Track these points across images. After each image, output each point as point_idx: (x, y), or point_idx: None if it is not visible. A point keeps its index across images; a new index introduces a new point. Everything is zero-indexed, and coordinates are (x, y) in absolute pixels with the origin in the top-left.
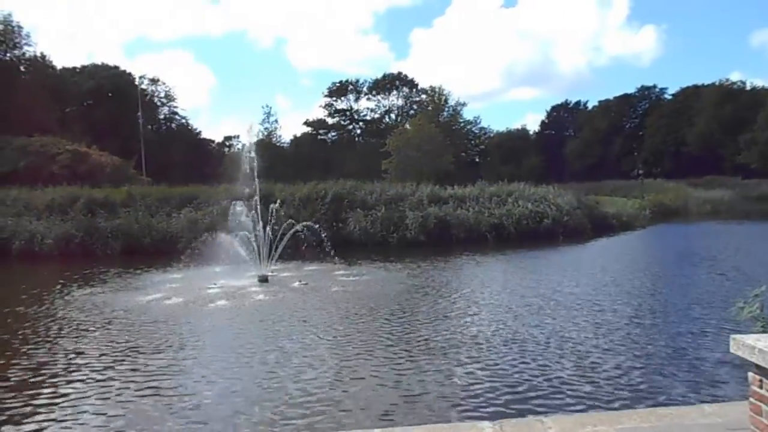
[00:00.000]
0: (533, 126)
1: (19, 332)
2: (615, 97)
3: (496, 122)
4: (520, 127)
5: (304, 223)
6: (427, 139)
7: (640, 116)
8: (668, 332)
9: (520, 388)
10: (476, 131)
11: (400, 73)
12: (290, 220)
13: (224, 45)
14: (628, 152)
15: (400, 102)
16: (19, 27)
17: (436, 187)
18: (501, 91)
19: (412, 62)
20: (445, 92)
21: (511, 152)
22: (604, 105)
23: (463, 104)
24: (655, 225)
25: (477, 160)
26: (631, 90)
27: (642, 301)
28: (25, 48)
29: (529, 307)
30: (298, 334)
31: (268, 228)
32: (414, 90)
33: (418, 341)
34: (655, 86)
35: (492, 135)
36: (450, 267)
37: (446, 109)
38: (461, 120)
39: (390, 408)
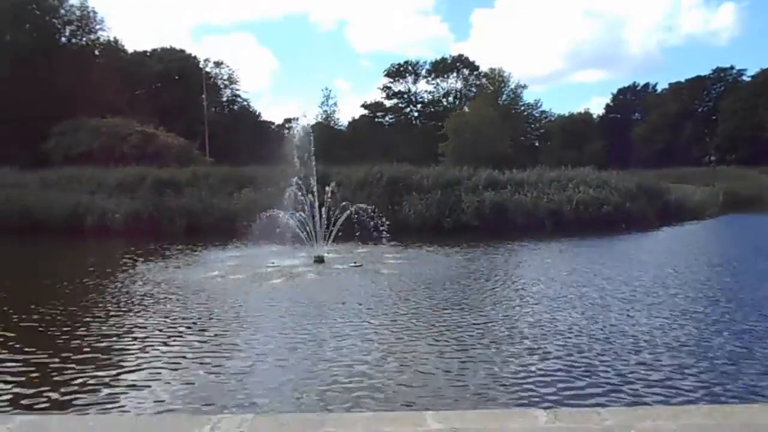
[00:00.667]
0: (597, 109)
1: (84, 304)
2: (687, 80)
3: (559, 105)
4: (583, 111)
5: (359, 205)
6: (486, 122)
7: (714, 99)
8: (737, 329)
9: (578, 382)
10: (536, 114)
11: (460, 56)
12: (345, 202)
13: (286, 28)
14: (699, 138)
15: (459, 84)
16: (94, 12)
17: (494, 172)
18: (565, 73)
19: (473, 44)
20: (505, 74)
21: (572, 136)
22: (675, 87)
23: (524, 87)
24: (727, 215)
25: (536, 144)
26: (705, 71)
27: (708, 295)
28: (100, 33)
29: (585, 297)
30: (352, 316)
31: (323, 209)
32: (473, 72)
33: (472, 327)
34: (732, 67)
35: (553, 118)
36: (505, 253)
37: (506, 91)
38: (521, 103)
39: (438, 392)
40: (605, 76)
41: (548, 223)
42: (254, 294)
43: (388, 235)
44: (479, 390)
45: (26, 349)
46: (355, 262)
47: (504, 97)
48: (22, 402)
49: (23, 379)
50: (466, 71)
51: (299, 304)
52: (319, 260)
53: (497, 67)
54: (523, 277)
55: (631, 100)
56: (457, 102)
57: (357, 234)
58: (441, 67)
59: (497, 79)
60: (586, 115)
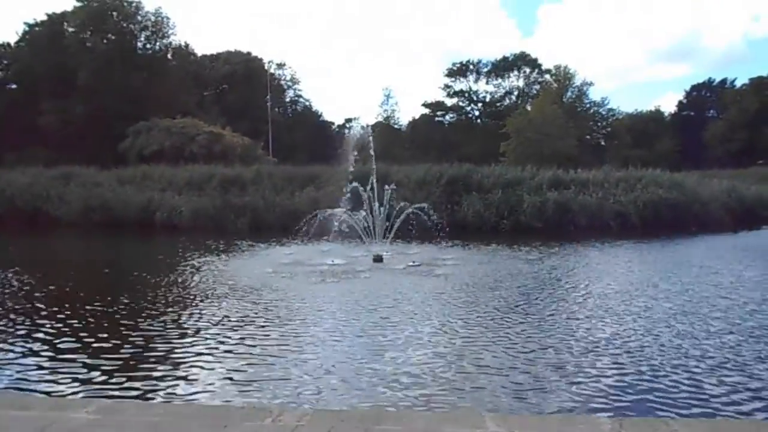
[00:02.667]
0: (669, 107)
1: (149, 296)
2: None
3: (630, 103)
4: (653, 108)
5: (417, 205)
6: (549, 121)
7: None
8: None
9: (647, 395)
10: (603, 113)
11: (522, 53)
12: (404, 202)
13: (348, 25)
14: None
15: (521, 83)
16: (167, 18)
17: (558, 171)
18: (636, 69)
19: (538, 40)
20: (570, 71)
21: (642, 135)
22: (756, 83)
23: (590, 84)
24: None
25: (602, 143)
26: None
27: None
28: (172, 38)
29: (655, 308)
30: (410, 316)
31: (383, 208)
32: (536, 70)
33: (532, 335)
34: None
35: (621, 117)
36: (568, 256)
37: (571, 89)
38: (587, 101)
39: (498, 399)
40: (681, 72)
41: (614, 225)
42: (315, 292)
43: (444, 235)
44: (543, 398)
45: (102, 338)
46: (413, 262)
47: (569, 94)
48: (99, 388)
49: (102, 366)
50: (528, 69)
51: (360, 303)
52: (378, 259)
53: (562, 64)
54: (589, 282)
55: (706, 97)
56: (520, 101)
57: (415, 233)
58: (502, 66)
59: (562, 76)
60: (657, 113)
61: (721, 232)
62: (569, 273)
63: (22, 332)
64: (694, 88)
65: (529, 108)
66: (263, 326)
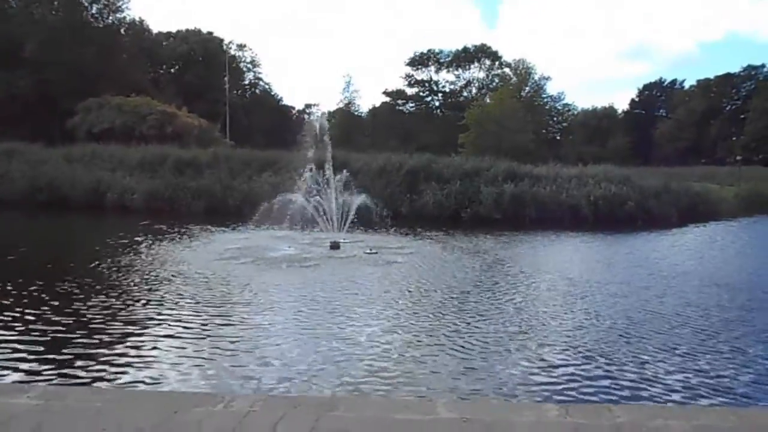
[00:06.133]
0: (622, 105)
1: (96, 281)
2: (716, 76)
3: (586, 99)
4: (607, 105)
5: (364, 196)
6: (508, 114)
7: (743, 98)
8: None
9: (592, 375)
10: (559, 107)
11: (483, 45)
12: (359, 191)
13: (311, 11)
14: (726, 136)
15: (482, 75)
16: None
17: (514, 164)
18: (593, 67)
19: (500, 33)
20: (529, 66)
21: (595, 131)
22: (704, 84)
23: (547, 79)
24: (751, 216)
25: (558, 138)
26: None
27: (727, 296)
28: (125, 12)
29: (604, 294)
30: (365, 303)
31: (340, 196)
32: (497, 63)
33: (480, 322)
34: (764, 65)
35: (576, 113)
36: (524, 245)
37: (529, 83)
38: (544, 95)
39: (456, 385)
40: (637, 71)
41: (566, 219)
42: (270, 278)
43: (405, 224)
44: (498, 384)
45: (47, 323)
46: (370, 249)
47: (527, 88)
48: (42, 374)
49: (43, 351)
50: (488, 61)
51: (316, 289)
52: (335, 246)
53: (522, 58)
54: (542, 270)
55: (656, 97)
56: (479, 93)
57: (374, 221)
58: (463, 57)
59: (521, 70)
60: (610, 110)
61: (667, 227)
62: (517, 262)
63: None
64: (646, 87)
65: (488, 100)
66: (215, 314)
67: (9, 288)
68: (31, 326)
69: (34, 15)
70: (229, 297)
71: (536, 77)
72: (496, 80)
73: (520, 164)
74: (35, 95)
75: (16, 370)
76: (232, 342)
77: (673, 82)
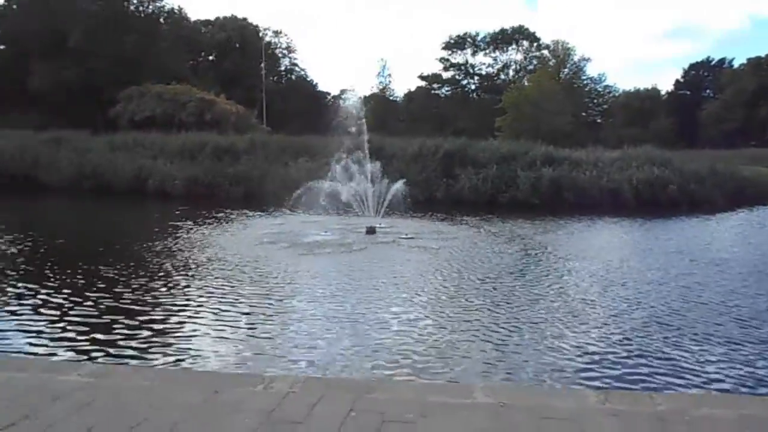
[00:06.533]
0: (667, 86)
1: (141, 264)
2: None
3: (628, 81)
4: (650, 87)
5: (399, 181)
6: (546, 96)
7: None
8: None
9: (631, 363)
10: (600, 89)
11: (521, 27)
12: (395, 176)
13: None
14: None
15: (519, 57)
16: None
17: (551, 148)
18: (635, 47)
19: (540, 14)
20: (568, 47)
21: (637, 114)
22: (755, 63)
23: (587, 60)
24: None
25: (598, 120)
26: None
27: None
28: (165, 1)
29: (641, 281)
30: (403, 287)
31: (376, 181)
32: (535, 45)
33: (519, 307)
34: None
35: (617, 94)
36: (562, 231)
37: (569, 65)
38: (584, 77)
39: (492, 371)
40: (682, 51)
41: (606, 203)
42: (307, 263)
43: (441, 208)
44: (535, 370)
45: (93, 304)
46: (406, 234)
47: (567, 70)
48: (89, 353)
49: (90, 331)
50: (526, 43)
51: (352, 274)
52: (371, 231)
53: (561, 39)
54: (582, 256)
55: (703, 77)
56: (516, 75)
57: (409, 206)
58: (500, 39)
59: (560, 51)
60: (653, 92)
61: (712, 212)
62: (555, 247)
63: (16, 295)
64: (692, 67)
65: (526, 83)
66: (252, 298)
67: (57, 270)
68: (77, 307)
69: (77, 5)
70: (265, 281)
71: (576, 59)
72: (534, 62)
73: (558, 148)
74: (80, 84)
75: (66, 348)
76: (270, 325)
77: (722, 61)
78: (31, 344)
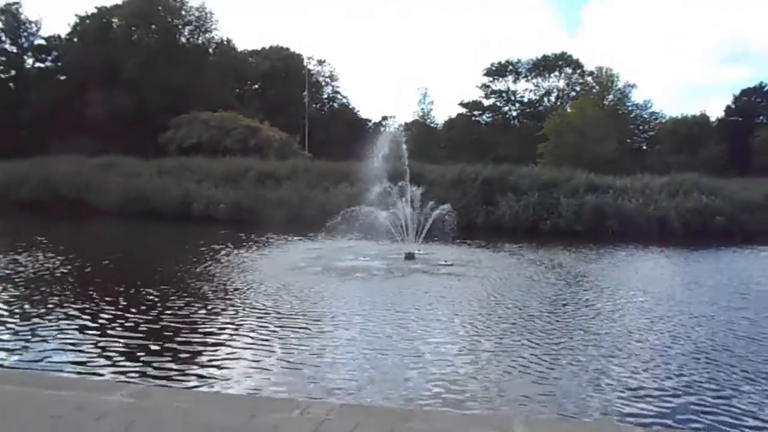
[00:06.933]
0: (716, 112)
1: (181, 285)
2: None
3: (672, 107)
4: (698, 113)
5: (444, 207)
6: (589, 123)
7: None
8: None
9: (676, 401)
10: (646, 116)
11: (564, 53)
12: (433, 203)
13: (387, 25)
14: None
15: (562, 83)
16: (211, 13)
17: (592, 175)
18: (682, 73)
19: (583, 40)
20: (612, 74)
21: (685, 140)
22: None
23: (632, 86)
24: None
25: (644, 147)
26: None
27: None
28: (214, 33)
29: (676, 317)
30: (441, 315)
31: (415, 207)
32: (578, 71)
33: (560, 339)
34: None
35: (664, 121)
36: (606, 260)
37: (613, 91)
38: (629, 103)
39: (530, 405)
40: (732, 76)
41: (653, 231)
42: (346, 288)
43: (480, 236)
44: (578, 402)
45: (134, 325)
46: (445, 261)
47: (610, 97)
48: (129, 373)
49: (133, 351)
50: (569, 70)
51: (390, 300)
52: (410, 257)
53: (605, 66)
54: (629, 288)
55: (756, 102)
56: (559, 102)
57: (449, 233)
58: (543, 66)
59: (604, 78)
60: (702, 118)
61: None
62: (597, 277)
63: (60, 313)
64: (744, 92)
65: (568, 109)
66: (294, 320)
67: (101, 291)
68: (118, 328)
69: (133, 38)
70: (302, 306)
71: (620, 85)
72: (577, 89)
73: (601, 175)
74: (133, 113)
75: (107, 367)
76: (306, 350)
77: None
78: (74, 363)
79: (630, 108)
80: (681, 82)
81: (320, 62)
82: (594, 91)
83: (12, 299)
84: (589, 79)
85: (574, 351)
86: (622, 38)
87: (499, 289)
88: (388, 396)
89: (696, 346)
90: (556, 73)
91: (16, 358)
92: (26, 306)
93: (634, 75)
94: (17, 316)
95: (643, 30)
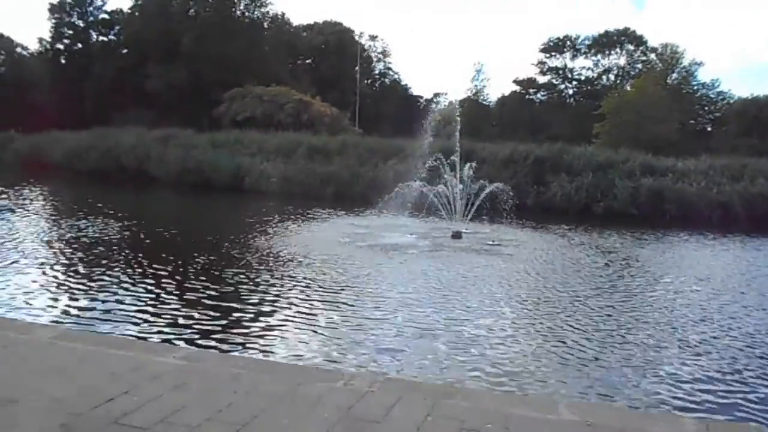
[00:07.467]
0: None
1: (232, 256)
2: None
3: (742, 87)
4: None
5: (497, 184)
6: (651, 102)
7: None
8: None
9: (731, 394)
10: (712, 96)
11: (626, 29)
12: (483, 181)
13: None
14: None
15: (623, 61)
16: None
17: (650, 157)
18: (755, 51)
19: (646, 15)
20: (678, 50)
21: (754, 122)
22: None
23: (699, 64)
24: None
25: (708, 129)
26: None
27: None
28: (269, 7)
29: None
30: (487, 296)
31: (464, 185)
32: (641, 48)
33: (610, 325)
34: None
35: (732, 101)
36: (662, 245)
37: (677, 70)
38: (695, 82)
39: (574, 390)
40: None
41: (714, 217)
42: (389, 264)
43: (531, 216)
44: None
45: (189, 293)
46: (493, 241)
47: (674, 75)
48: (185, 337)
49: (183, 317)
50: (631, 46)
51: (435, 278)
52: (457, 236)
53: (670, 42)
54: (683, 276)
55: None
56: (618, 80)
57: (498, 212)
58: (603, 43)
59: (669, 55)
60: None
61: None
62: (651, 263)
63: (115, 278)
64: None
65: (628, 88)
66: (342, 293)
67: (155, 259)
68: (170, 294)
69: (190, 12)
70: (347, 281)
71: (686, 63)
72: (639, 66)
73: (660, 157)
74: (189, 86)
75: (160, 332)
76: (349, 324)
77: None
78: (130, 323)
79: (695, 87)
80: (752, 61)
81: (372, 38)
82: (657, 68)
83: (73, 263)
84: (653, 56)
85: (622, 337)
86: (691, 13)
87: (547, 270)
88: (429, 372)
89: (752, 339)
90: (617, 49)
91: (79, 318)
92: (85, 269)
93: (701, 53)
94: (80, 278)
95: (713, 5)
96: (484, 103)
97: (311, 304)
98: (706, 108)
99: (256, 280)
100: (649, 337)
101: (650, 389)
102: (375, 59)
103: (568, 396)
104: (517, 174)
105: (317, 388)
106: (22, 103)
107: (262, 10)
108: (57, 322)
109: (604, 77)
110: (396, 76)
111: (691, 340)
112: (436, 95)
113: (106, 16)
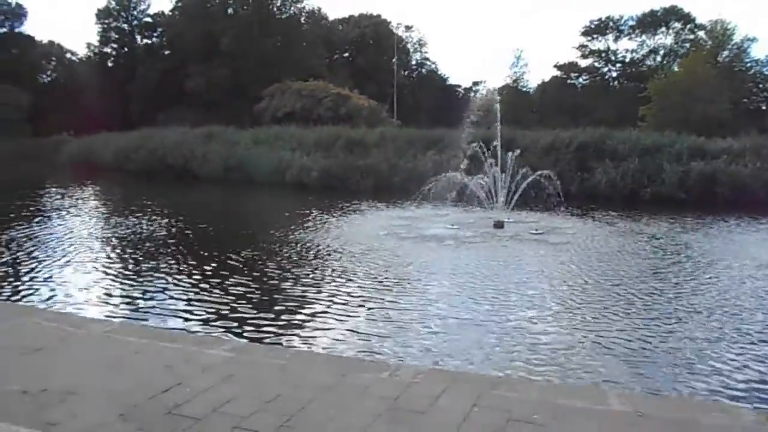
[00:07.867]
0: None
1: (274, 249)
2: None
3: None
4: None
5: (542, 172)
6: (700, 82)
7: None
8: None
9: None
10: (767, 73)
11: (673, 7)
12: (525, 169)
13: None
14: None
15: (669, 41)
16: None
17: (699, 139)
18: None
19: None
20: (729, 27)
21: None
22: None
23: (752, 40)
24: None
25: (763, 107)
26: None
27: None
28: (305, 2)
29: None
30: (531, 286)
31: (506, 174)
32: (689, 26)
33: (660, 314)
34: None
35: None
36: (714, 231)
37: (728, 47)
38: (747, 60)
39: (619, 378)
40: None
41: None
42: (430, 255)
43: (563, 204)
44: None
45: (231, 284)
46: (536, 230)
47: (725, 53)
48: (233, 330)
49: (225, 310)
50: (678, 25)
51: (477, 269)
52: (499, 225)
53: (720, 18)
54: (738, 265)
55: None
56: (665, 60)
57: (542, 201)
58: (648, 22)
59: (719, 32)
60: None
61: None
62: (704, 250)
63: (161, 273)
64: None
65: (675, 68)
66: (384, 285)
67: (201, 254)
68: (214, 288)
69: (229, 11)
70: (389, 272)
71: (737, 39)
72: (687, 45)
73: (709, 139)
74: (229, 84)
75: (208, 325)
76: (392, 316)
77: None
78: (182, 318)
79: (748, 64)
80: None
81: (408, 28)
82: (706, 47)
83: (123, 259)
84: (701, 33)
85: (670, 328)
86: None
87: (592, 260)
88: (473, 363)
89: None
90: (663, 29)
91: (131, 313)
92: (135, 266)
93: (754, 28)
94: (130, 274)
95: None
96: (524, 90)
97: (353, 297)
98: (761, 86)
99: (298, 273)
100: (697, 327)
101: (698, 381)
102: (412, 50)
103: (612, 388)
104: (559, 161)
105: (363, 378)
106: (72, 106)
107: (299, 5)
108: (110, 316)
109: (649, 58)
110: (433, 66)
111: (743, 330)
112: (475, 84)
113: (149, 19)
